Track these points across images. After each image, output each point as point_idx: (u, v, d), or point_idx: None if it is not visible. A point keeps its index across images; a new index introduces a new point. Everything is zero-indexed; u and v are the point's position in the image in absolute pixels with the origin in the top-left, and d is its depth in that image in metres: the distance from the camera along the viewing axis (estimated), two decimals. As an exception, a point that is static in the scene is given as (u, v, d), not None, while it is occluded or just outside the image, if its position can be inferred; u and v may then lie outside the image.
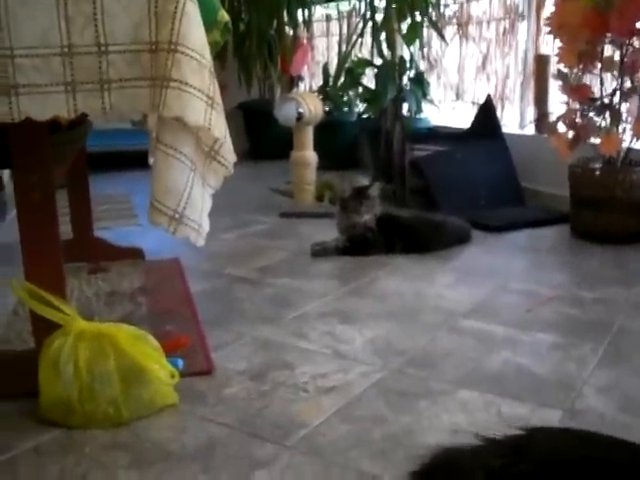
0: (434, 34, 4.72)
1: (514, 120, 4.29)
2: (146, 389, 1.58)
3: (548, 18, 3.08)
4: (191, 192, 1.40)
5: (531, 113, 4.10)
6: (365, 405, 1.63)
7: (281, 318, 2.19)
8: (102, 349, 1.54)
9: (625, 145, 3.03)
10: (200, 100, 1.33)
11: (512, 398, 1.65)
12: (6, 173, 3.52)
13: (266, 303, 2.34)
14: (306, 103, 3.77)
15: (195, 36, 1.34)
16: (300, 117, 3.76)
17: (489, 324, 2.12)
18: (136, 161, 4.94)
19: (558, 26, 3.01)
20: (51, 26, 1.31)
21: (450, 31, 4.79)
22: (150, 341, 1.64)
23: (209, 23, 1.80)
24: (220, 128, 1.39)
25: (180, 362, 1.76)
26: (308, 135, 3.88)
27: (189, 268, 2.66)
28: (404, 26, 4.54)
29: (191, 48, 1.32)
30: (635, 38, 2.92)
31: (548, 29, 3.10)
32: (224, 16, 1.92)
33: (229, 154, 1.49)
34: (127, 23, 1.34)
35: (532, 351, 1.92)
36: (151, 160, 1.45)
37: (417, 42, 4.58)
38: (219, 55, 4.99)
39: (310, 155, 3.88)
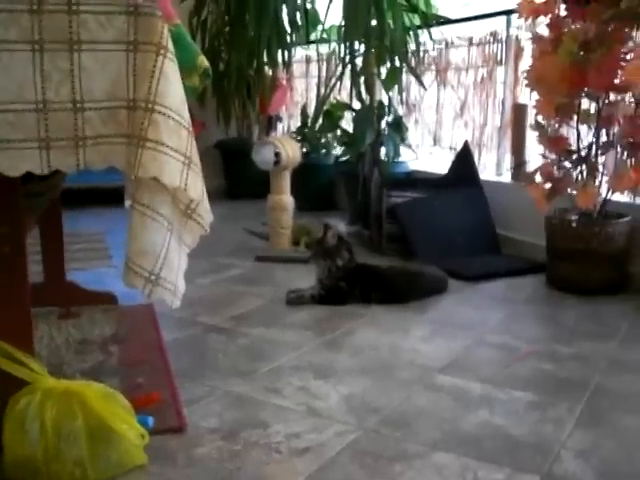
0: (413, 79, 4.74)
1: (491, 167, 4.30)
2: (114, 449, 1.53)
3: (526, 71, 3.11)
4: (167, 253, 1.38)
5: (508, 161, 4.11)
6: (339, 468, 1.59)
7: (255, 371, 2.15)
8: (70, 408, 1.50)
9: (601, 198, 3.04)
10: (176, 161, 1.31)
11: (489, 462, 1.62)
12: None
13: (240, 355, 2.30)
14: (284, 147, 3.76)
15: (173, 95, 1.32)
16: (277, 161, 3.75)
17: (465, 380, 2.09)
18: (111, 198, 4.93)
19: (536, 80, 3.04)
20: (26, 81, 1.29)
21: (429, 77, 4.82)
22: (119, 400, 1.59)
23: (188, 68, 1.80)
24: (197, 189, 1.37)
25: (150, 420, 1.71)
26: (285, 179, 3.87)
27: (162, 315, 2.62)
28: (383, 71, 4.57)
29: (168, 107, 1.31)
30: (612, 92, 2.95)
31: (525, 82, 3.13)
32: (204, 61, 1.91)
33: (206, 213, 1.47)
34: (104, 80, 1.32)
35: (509, 411, 1.90)
36: (127, 203, 1.43)
37: (396, 87, 4.61)
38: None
39: (287, 199, 3.87)
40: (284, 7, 5.18)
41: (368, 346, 2.39)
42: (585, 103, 3.08)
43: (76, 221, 4.17)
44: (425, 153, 4.92)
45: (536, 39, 3.11)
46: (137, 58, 1.32)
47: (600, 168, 3.04)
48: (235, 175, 5.78)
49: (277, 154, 3.75)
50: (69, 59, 1.30)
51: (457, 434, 1.76)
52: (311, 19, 5.47)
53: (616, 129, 2.99)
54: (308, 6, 5.43)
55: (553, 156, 3.15)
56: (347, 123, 5.05)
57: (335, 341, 2.46)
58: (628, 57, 2.83)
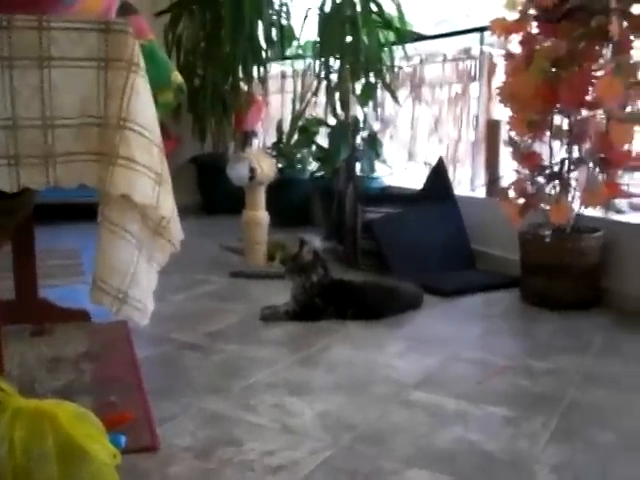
0: (388, 95, 4.77)
1: (465, 182, 4.33)
2: (86, 470, 1.50)
3: (499, 88, 3.14)
4: (136, 271, 1.37)
5: (482, 176, 4.14)
6: (313, 486, 1.58)
7: (229, 389, 2.13)
8: (40, 428, 1.47)
9: (574, 213, 3.07)
10: (148, 178, 1.31)
11: (463, 478, 1.62)
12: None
13: (214, 372, 2.29)
14: (259, 163, 3.76)
15: (145, 112, 1.32)
16: (252, 177, 3.74)
17: (440, 396, 2.09)
18: (86, 213, 4.87)
19: (509, 96, 3.07)
20: (-6, 98, 1.28)
21: (403, 93, 4.84)
22: (91, 419, 1.56)
23: (162, 83, 1.79)
24: (167, 206, 1.36)
25: (122, 439, 1.69)
26: (260, 195, 3.86)
27: (136, 332, 2.58)
28: (358, 86, 4.59)
29: (140, 124, 1.30)
30: (583, 109, 2.98)
31: (499, 98, 3.16)
32: (177, 77, 1.91)
33: (176, 231, 1.46)
34: (75, 96, 1.31)
35: (483, 426, 1.90)
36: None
37: (371, 103, 4.63)
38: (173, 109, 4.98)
39: (262, 215, 3.86)
40: (259, 23, 5.19)
41: (343, 362, 2.39)
42: (557, 119, 3.11)
43: (50, 237, 4.12)
44: (400, 168, 4.94)
45: (508, 56, 3.14)
46: (108, 75, 1.32)
47: (573, 183, 3.06)
48: (210, 190, 5.76)
49: (252, 170, 3.75)
50: (39, 75, 1.29)
51: (432, 450, 1.76)
52: (286, 35, 5.48)
53: (588, 145, 3.02)
54: (283, 22, 5.44)
55: (526, 172, 3.17)
56: (322, 138, 5.06)
57: (310, 358, 2.45)
58: (599, 74, 2.87)
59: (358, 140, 4.57)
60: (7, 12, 1.27)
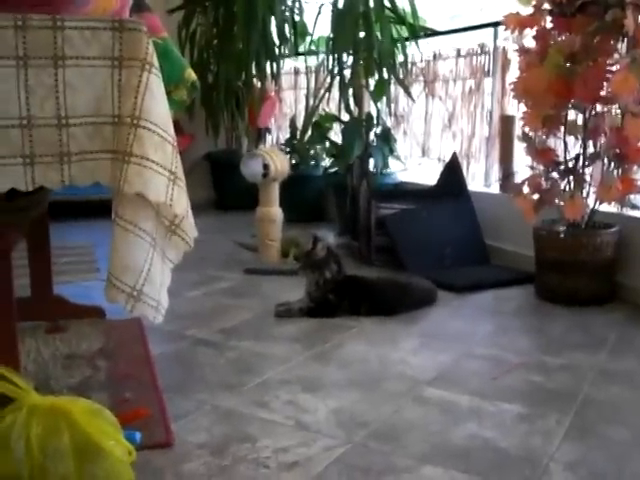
0: (401, 91, 4.76)
1: (479, 178, 4.31)
2: (101, 467, 1.51)
3: (513, 83, 3.12)
4: (150, 269, 1.37)
5: (496, 172, 4.13)
6: (327, 483, 1.58)
7: (243, 385, 2.14)
8: (56, 425, 1.48)
9: (589, 208, 3.05)
10: (162, 176, 1.31)
11: (477, 475, 1.62)
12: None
13: (228, 368, 2.29)
14: (272, 160, 3.76)
15: (158, 111, 1.32)
16: (266, 174, 3.74)
17: (454, 393, 2.09)
18: (100, 210, 4.90)
19: (523, 91, 3.05)
20: (10, 97, 1.29)
21: (417, 88, 4.83)
22: (106, 416, 1.57)
23: (175, 80, 1.80)
24: (181, 204, 1.37)
25: (138, 435, 1.70)
26: (274, 191, 3.86)
27: (151, 328, 2.59)
28: (372, 82, 4.59)
29: (154, 123, 1.30)
30: (598, 104, 2.97)
31: (513, 93, 3.15)
32: (191, 74, 1.91)
33: (190, 229, 1.46)
34: (89, 95, 1.32)
35: (497, 423, 1.89)
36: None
37: (384, 98, 4.62)
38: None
39: (276, 211, 3.86)
40: (272, 19, 5.19)
41: (357, 359, 2.39)
42: (572, 114, 3.10)
43: (65, 233, 4.15)
44: (413, 164, 4.93)
45: (522, 51, 3.13)
46: (122, 74, 1.32)
47: (587, 179, 3.05)
48: (224, 187, 5.77)
49: (265, 166, 3.75)
50: (54, 75, 1.30)
51: (445, 447, 1.76)
52: (300, 31, 5.48)
53: (603, 140, 3.00)
54: (296, 18, 5.44)
55: (541, 167, 3.16)
56: (336, 135, 5.07)
57: (324, 354, 2.45)
58: (614, 69, 2.85)
59: (372, 136, 4.57)
60: (21, 12, 1.28)
